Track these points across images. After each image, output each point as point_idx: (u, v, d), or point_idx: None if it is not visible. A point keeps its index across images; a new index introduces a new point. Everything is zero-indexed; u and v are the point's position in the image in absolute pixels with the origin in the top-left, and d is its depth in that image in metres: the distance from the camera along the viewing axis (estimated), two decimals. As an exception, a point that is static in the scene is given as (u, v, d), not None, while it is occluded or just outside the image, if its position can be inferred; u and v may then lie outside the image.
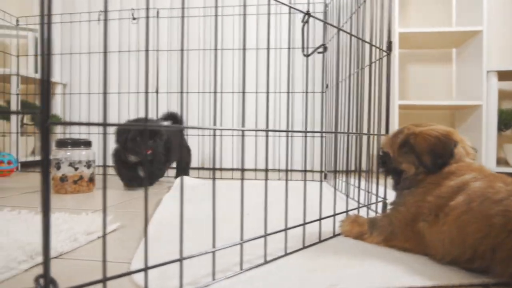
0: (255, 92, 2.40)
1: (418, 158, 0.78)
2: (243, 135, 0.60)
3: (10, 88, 2.31)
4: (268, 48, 0.63)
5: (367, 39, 1.15)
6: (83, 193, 1.54)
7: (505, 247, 0.58)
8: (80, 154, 1.55)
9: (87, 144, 1.58)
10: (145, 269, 0.51)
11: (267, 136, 0.71)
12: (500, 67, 2.11)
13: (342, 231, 0.88)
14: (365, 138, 1.28)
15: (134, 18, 2.29)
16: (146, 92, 0.49)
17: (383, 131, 1.18)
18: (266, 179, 0.71)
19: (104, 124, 0.46)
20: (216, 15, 0.56)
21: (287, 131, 0.74)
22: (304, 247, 0.79)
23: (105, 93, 0.46)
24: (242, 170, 1.19)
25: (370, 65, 1.21)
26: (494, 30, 2.46)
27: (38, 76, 2.47)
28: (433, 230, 0.69)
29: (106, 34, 0.46)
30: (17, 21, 2.48)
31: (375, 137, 1.19)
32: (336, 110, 0.96)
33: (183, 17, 0.53)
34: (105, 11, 0.47)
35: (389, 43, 1.12)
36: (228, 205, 1.22)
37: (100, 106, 2.57)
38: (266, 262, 0.70)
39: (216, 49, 0.58)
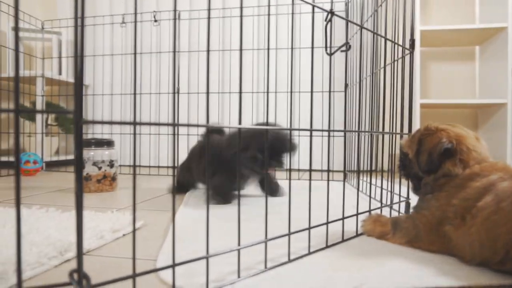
0: (274, 91, 2.41)
1: (417, 156, 0.78)
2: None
3: (35, 89, 2.38)
4: (292, 48, 0.63)
5: (389, 37, 1.13)
6: (106, 192, 1.57)
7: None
8: (103, 153, 1.58)
9: (110, 144, 1.61)
10: (173, 265, 0.52)
11: (290, 135, 0.71)
12: (526, 64, 2.05)
13: (364, 231, 0.88)
14: (386, 137, 1.27)
15: (155, 21, 2.33)
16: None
17: (405, 130, 1.16)
18: (290, 178, 0.71)
19: (134, 123, 0.47)
20: (240, 16, 0.57)
21: (310, 130, 0.74)
22: (328, 246, 0.79)
23: (135, 93, 0.47)
24: (266, 170, 1.18)
25: (392, 63, 1.20)
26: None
27: (62, 78, 2.54)
28: (459, 233, 0.67)
29: (135, 36, 0.47)
30: (43, 24, 2.55)
31: (397, 136, 1.18)
32: (359, 109, 0.96)
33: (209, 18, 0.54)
34: (135, 13, 0.48)
35: (412, 41, 1.10)
36: (252, 205, 1.22)
37: (122, 107, 2.62)
38: (289, 260, 0.70)
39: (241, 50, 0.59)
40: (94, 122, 0.44)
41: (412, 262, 0.69)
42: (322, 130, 0.73)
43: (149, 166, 2.55)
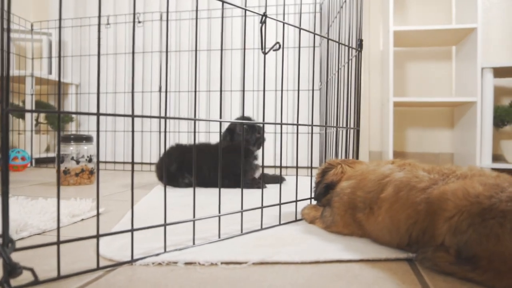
0: (256, 90, 2.49)
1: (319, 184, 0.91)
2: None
3: (25, 88, 2.47)
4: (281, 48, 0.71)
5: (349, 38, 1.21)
6: (85, 185, 1.65)
7: (429, 229, 0.64)
8: (82, 148, 1.67)
9: (88, 139, 1.69)
10: (97, 236, 0.60)
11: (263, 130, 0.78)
12: (495, 63, 2.12)
13: (302, 214, 0.97)
14: (341, 134, 1.35)
15: (139, 22, 2.41)
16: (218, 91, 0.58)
17: (356, 126, 1.24)
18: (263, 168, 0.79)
19: (132, 116, 0.55)
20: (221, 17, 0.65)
21: (281, 124, 0.82)
22: (262, 229, 0.87)
23: (132, 92, 0.55)
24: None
25: (345, 64, 1.27)
26: (493, 28, 2.47)
27: (51, 77, 2.63)
28: (370, 222, 0.75)
29: (134, 36, 0.55)
30: (32, 25, 2.64)
31: (350, 132, 1.26)
32: (326, 107, 1.03)
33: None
34: (134, 14, 0.56)
35: (360, 41, 1.18)
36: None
37: (109, 105, 2.70)
38: (220, 239, 0.78)
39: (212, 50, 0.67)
40: (18, 110, 0.52)
41: (326, 241, 0.77)
42: (275, 124, 0.81)
43: (141, 163, 2.63)
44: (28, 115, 2.46)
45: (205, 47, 2.59)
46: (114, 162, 2.66)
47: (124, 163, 2.61)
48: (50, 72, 2.70)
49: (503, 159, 2.31)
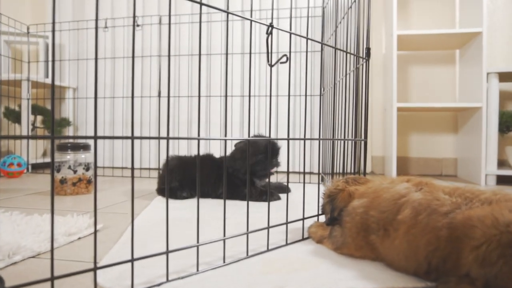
0: (257, 95, 2.44)
1: (332, 211, 0.83)
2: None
3: (21, 92, 2.42)
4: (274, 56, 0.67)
5: (353, 46, 1.17)
6: (82, 195, 1.61)
7: (451, 257, 0.60)
8: (79, 157, 1.62)
9: (86, 147, 1.65)
10: (94, 269, 0.56)
11: (269, 141, 0.74)
12: (501, 68, 2.08)
13: (309, 232, 0.92)
14: (350, 142, 1.31)
15: (138, 25, 2.36)
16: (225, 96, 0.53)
17: (364, 137, 1.20)
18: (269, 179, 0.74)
19: (132, 138, 0.50)
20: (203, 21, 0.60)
21: (287, 139, 0.78)
22: (268, 250, 0.83)
23: (132, 97, 0.50)
24: (269, 170, 1.23)
25: (351, 72, 1.23)
26: (497, 31, 2.43)
27: (48, 81, 2.58)
28: (386, 245, 0.70)
29: (134, 39, 0.51)
30: (28, 28, 2.59)
31: (358, 142, 1.22)
32: (321, 116, 0.99)
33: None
34: (134, 17, 0.52)
35: (368, 50, 1.14)
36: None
37: (107, 111, 2.65)
38: (225, 263, 0.74)
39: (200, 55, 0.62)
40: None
41: (338, 266, 0.73)
42: (282, 139, 0.77)
43: (140, 168, 2.59)
44: (24, 119, 2.41)
45: (204, 51, 2.55)
46: (113, 168, 2.61)
47: (122, 168, 2.57)
48: (47, 76, 2.65)
49: (508, 165, 2.28)
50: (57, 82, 2.61)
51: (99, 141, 2.61)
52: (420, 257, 0.64)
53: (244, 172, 1.49)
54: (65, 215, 1.07)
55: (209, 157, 1.63)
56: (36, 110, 2.55)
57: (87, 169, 1.64)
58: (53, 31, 0.51)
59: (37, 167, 2.52)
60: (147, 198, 1.55)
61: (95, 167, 0.60)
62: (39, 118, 2.65)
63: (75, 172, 1.61)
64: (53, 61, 0.50)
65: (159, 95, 2.41)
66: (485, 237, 0.55)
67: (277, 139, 0.79)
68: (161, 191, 1.58)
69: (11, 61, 2.56)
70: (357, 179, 0.89)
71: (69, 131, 2.73)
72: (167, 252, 0.65)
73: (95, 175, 0.59)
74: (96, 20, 0.55)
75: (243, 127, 2.48)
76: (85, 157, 1.64)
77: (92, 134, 2.67)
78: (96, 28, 0.55)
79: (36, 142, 2.54)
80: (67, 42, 2.73)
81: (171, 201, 1.47)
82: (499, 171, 2.08)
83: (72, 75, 2.73)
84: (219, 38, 2.51)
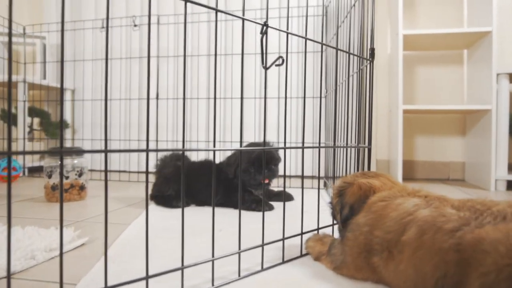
0: (254, 97, 2.38)
1: (337, 208, 0.76)
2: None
3: (17, 94, 2.37)
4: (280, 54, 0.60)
5: (356, 46, 1.10)
6: (74, 202, 1.55)
7: (462, 284, 0.53)
8: (72, 162, 1.56)
9: (78, 152, 1.58)
10: (60, 301, 0.49)
11: (263, 151, 0.68)
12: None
13: (306, 247, 0.85)
14: (351, 148, 1.24)
15: (135, 25, 2.30)
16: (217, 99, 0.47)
17: (366, 143, 1.12)
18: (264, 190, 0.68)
19: (147, 150, 0.44)
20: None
21: (284, 148, 0.71)
22: (263, 269, 0.76)
23: (148, 109, 0.44)
24: (263, 179, 1.16)
25: (355, 74, 1.16)
26: (509, 31, 2.34)
27: (45, 82, 2.52)
28: (390, 269, 0.63)
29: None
30: (24, 29, 2.54)
31: (360, 148, 1.14)
32: (320, 121, 0.92)
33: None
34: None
35: (372, 50, 1.06)
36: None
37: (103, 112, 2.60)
38: (214, 287, 0.67)
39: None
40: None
41: (340, 290, 0.66)
42: (279, 148, 0.70)
43: (137, 172, 2.53)
44: (20, 121, 2.36)
45: (205, 52, 2.48)
46: (109, 171, 2.55)
47: (119, 172, 2.51)
48: (44, 77, 2.60)
49: (518, 169, 2.19)
50: (54, 84, 2.55)
51: (95, 142, 2.56)
52: (429, 285, 0.57)
53: (233, 178, 1.44)
54: (49, 227, 1.01)
55: (208, 164, 1.56)
56: (33, 112, 2.50)
57: (80, 175, 1.58)
58: (62, 30, 0.45)
59: (33, 171, 2.47)
60: (140, 205, 1.49)
61: (106, 179, 0.53)
62: (36, 120, 2.60)
63: (67, 178, 1.54)
64: (62, 63, 0.44)
65: (157, 97, 2.35)
66: (496, 265, 0.48)
67: (272, 148, 0.72)
68: (155, 198, 1.51)
69: (6, 62, 2.51)
70: (366, 173, 0.82)
71: (67, 134, 2.68)
72: (146, 278, 0.58)
73: (106, 198, 0.53)
74: (107, 19, 0.49)
75: (255, 131, 2.41)
76: (78, 162, 1.58)
77: (89, 136, 2.61)
78: (107, 27, 0.49)
79: (32, 144, 2.49)
80: (64, 42, 2.68)
81: (166, 210, 1.41)
82: (509, 176, 1.99)
83: (69, 77, 2.68)
84: (207, 39, 2.45)
